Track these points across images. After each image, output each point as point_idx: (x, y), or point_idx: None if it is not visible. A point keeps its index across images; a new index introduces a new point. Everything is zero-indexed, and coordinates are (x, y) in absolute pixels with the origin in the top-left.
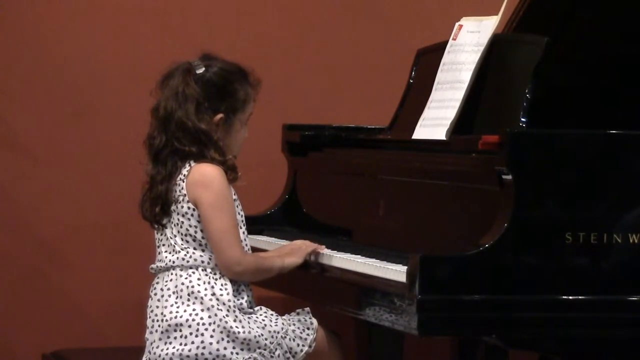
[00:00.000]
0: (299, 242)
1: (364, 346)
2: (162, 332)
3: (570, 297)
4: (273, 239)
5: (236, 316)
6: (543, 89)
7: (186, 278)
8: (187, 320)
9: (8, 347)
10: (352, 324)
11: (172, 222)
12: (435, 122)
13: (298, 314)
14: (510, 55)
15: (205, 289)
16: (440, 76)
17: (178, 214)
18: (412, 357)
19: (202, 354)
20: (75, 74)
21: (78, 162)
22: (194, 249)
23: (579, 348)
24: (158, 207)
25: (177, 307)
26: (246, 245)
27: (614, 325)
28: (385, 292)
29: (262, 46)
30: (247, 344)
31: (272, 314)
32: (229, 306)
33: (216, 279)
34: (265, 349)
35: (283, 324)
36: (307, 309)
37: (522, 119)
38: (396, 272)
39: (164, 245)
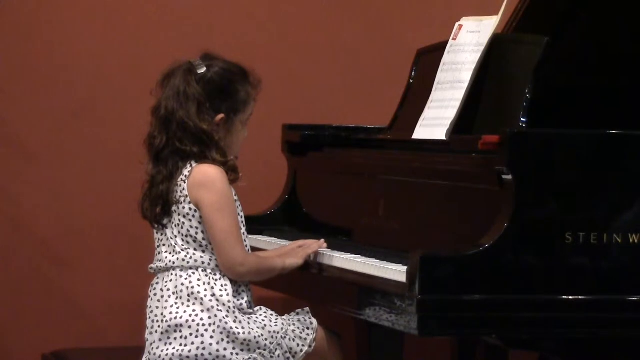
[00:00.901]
0: (299, 243)
1: (364, 346)
2: (162, 333)
3: (570, 297)
4: (273, 239)
5: (236, 317)
6: (543, 89)
7: (186, 279)
8: (187, 321)
9: (8, 347)
10: (352, 324)
11: (172, 223)
12: (435, 122)
13: (298, 314)
14: (510, 55)
15: (205, 290)
16: (440, 76)
17: (179, 214)
18: (412, 357)
19: (202, 354)
20: (75, 74)
21: (78, 162)
22: (195, 249)
23: (579, 348)
24: (159, 207)
25: (177, 308)
26: (246, 245)
27: (614, 325)
28: (385, 292)
29: (261, 46)
30: (247, 345)
31: (272, 314)
32: (229, 307)
33: (216, 280)
34: (265, 349)
35: (283, 324)
36: (307, 309)
37: (522, 119)
38: (396, 272)
39: (164, 245)
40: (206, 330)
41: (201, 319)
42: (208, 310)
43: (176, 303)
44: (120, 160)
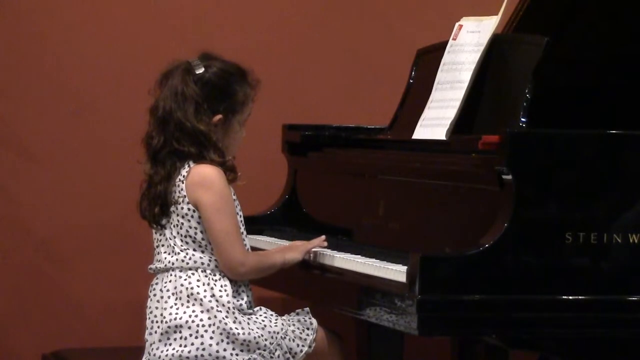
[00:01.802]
0: (298, 243)
1: (364, 346)
2: (161, 334)
3: (570, 297)
4: (273, 239)
5: (236, 317)
6: (543, 89)
7: (185, 279)
8: (186, 321)
9: (8, 347)
10: (352, 324)
11: (171, 223)
12: (435, 122)
13: (298, 314)
14: (510, 55)
15: (205, 291)
16: (440, 76)
17: (178, 215)
18: (412, 357)
19: (202, 355)
20: (75, 74)
21: (77, 162)
22: (194, 250)
23: (579, 348)
24: (157, 207)
25: (177, 309)
26: (245, 245)
27: (614, 325)
28: (386, 292)
29: (261, 46)
30: (246, 345)
31: (271, 315)
32: (229, 307)
33: (216, 280)
34: (265, 350)
35: (283, 324)
36: (307, 309)
37: (522, 119)
38: (396, 272)
39: (163, 246)
40: (206, 331)
41: (201, 320)
42: (208, 310)
43: (176, 304)
44: (120, 160)
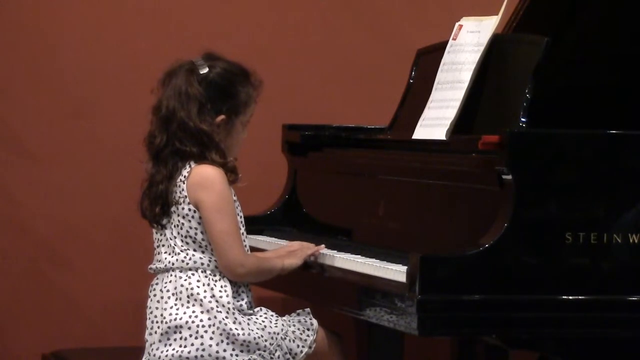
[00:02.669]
0: (295, 245)
1: (364, 346)
2: (161, 334)
3: (570, 297)
4: (273, 239)
5: (235, 318)
6: (543, 89)
7: (185, 280)
8: (186, 322)
9: (8, 347)
10: (352, 324)
11: (172, 224)
12: (435, 122)
13: (298, 314)
14: (510, 55)
15: (205, 291)
16: (440, 76)
17: (178, 215)
18: (412, 357)
19: (202, 356)
20: (75, 74)
21: (77, 161)
22: (194, 250)
23: (579, 348)
24: (158, 207)
25: (177, 309)
26: (245, 246)
27: (614, 325)
28: (386, 292)
29: (262, 46)
30: (246, 346)
31: (272, 315)
32: (229, 308)
33: (216, 281)
34: (265, 351)
35: (283, 325)
36: (308, 309)
37: (522, 119)
38: (396, 272)
39: (163, 246)
40: (206, 331)
41: (201, 320)
42: (208, 311)
43: (176, 304)
44: (120, 160)
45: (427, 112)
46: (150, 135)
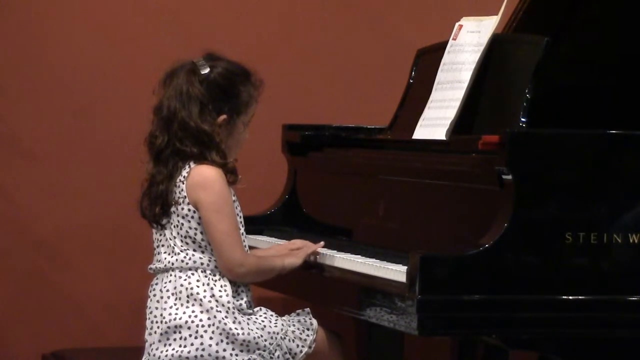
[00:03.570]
0: (297, 242)
1: (364, 346)
2: (161, 334)
3: (570, 297)
4: (273, 239)
5: (235, 318)
6: (543, 89)
7: (185, 280)
8: (186, 322)
9: (8, 347)
10: (352, 324)
11: (171, 224)
12: (435, 122)
13: (298, 314)
14: (510, 55)
15: (205, 291)
16: (440, 76)
17: (178, 215)
18: (412, 357)
19: (202, 355)
20: (75, 74)
21: (77, 162)
22: (194, 250)
23: (579, 348)
24: (158, 207)
25: (177, 309)
26: (245, 246)
27: (614, 325)
28: (386, 292)
29: (262, 46)
30: (246, 346)
31: (271, 315)
32: (228, 307)
33: (215, 281)
34: (264, 350)
35: (283, 324)
36: (307, 309)
37: (522, 119)
38: (396, 272)
39: (163, 246)
40: (205, 331)
41: (200, 320)
42: (207, 311)
43: (175, 304)
44: (120, 160)
45: (427, 112)
46: (151, 135)
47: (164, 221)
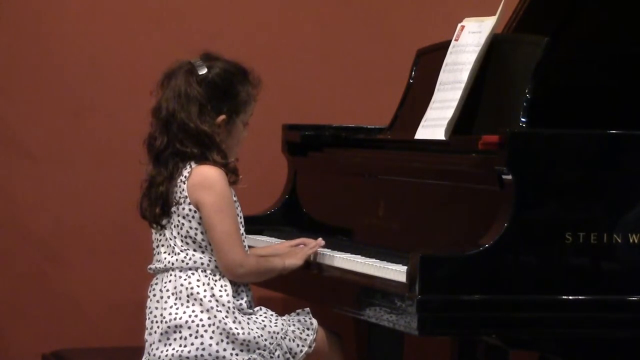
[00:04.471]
0: (298, 241)
1: (364, 346)
2: (161, 334)
3: (570, 297)
4: (273, 239)
5: (235, 317)
6: (543, 89)
7: (185, 279)
8: (186, 321)
9: (8, 347)
10: (352, 324)
11: (172, 224)
12: (437, 123)
13: (298, 314)
14: (510, 55)
15: (205, 290)
16: (442, 77)
17: (179, 215)
18: (412, 357)
19: (202, 355)
20: (75, 74)
21: (78, 161)
22: (194, 250)
23: (579, 348)
24: (158, 207)
25: (177, 309)
26: (245, 246)
27: (614, 325)
28: (386, 292)
29: (262, 46)
30: (246, 345)
31: (271, 315)
32: (229, 307)
33: (216, 280)
34: (264, 350)
35: (283, 324)
36: (307, 309)
37: (522, 119)
38: (396, 272)
39: (163, 246)
40: (206, 330)
41: (201, 320)
42: (207, 310)
43: (175, 304)
44: (121, 160)
45: (429, 113)
46: (150, 137)
47: (164, 221)
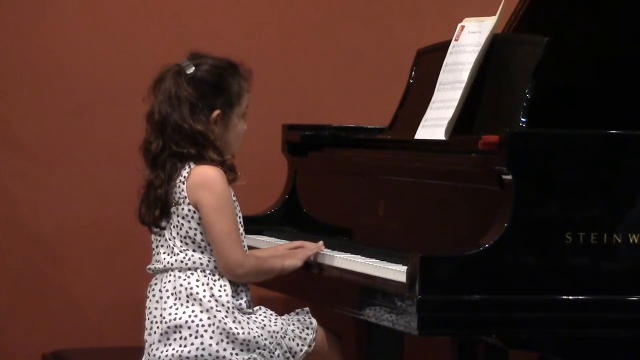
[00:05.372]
0: (297, 243)
1: (364, 346)
2: (161, 334)
3: (570, 297)
4: (273, 239)
5: (235, 317)
6: (543, 89)
7: (185, 279)
8: (186, 321)
9: (8, 347)
10: (352, 324)
11: (171, 224)
12: (437, 123)
13: (297, 313)
14: (510, 55)
15: (204, 290)
16: (442, 77)
17: (178, 216)
18: (412, 357)
19: (202, 355)
20: (75, 74)
21: (78, 161)
22: (193, 251)
23: (579, 348)
24: (157, 210)
25: (176, 309)
26: (244, 246)
27: (614, 325)
28: (386, 292)
29: (261, 46)
30: (246, 345)
31: (271, 314)
32: (228, 307)
33: (215, 280)
34: (264, 349)
35: (282, 323)
36: (307, 308)
37: (522, 119)
38: (396, 272)
39: (162, 246)
40: (205, 330)
41: (200, 320)
42: (207, 310)
43: (175, 304)
44: (121, 160)
45: (429, 113)
46: (145, 142)
47: (164, 223)
